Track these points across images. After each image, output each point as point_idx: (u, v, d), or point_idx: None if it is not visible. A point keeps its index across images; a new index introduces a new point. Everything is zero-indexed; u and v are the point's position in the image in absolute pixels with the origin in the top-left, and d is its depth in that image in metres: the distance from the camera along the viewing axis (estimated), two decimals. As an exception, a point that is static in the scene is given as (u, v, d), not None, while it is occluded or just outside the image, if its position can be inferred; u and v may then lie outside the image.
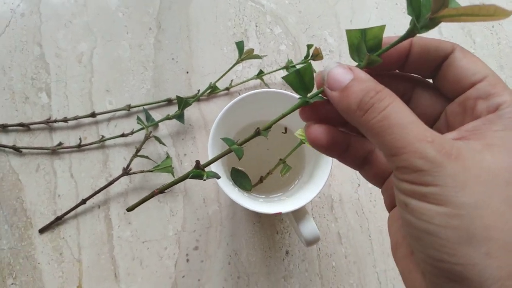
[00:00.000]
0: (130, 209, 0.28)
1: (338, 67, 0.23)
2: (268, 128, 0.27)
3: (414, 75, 0.26)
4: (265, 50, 0.55)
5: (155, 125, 0.51)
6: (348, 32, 0.23)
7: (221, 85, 0.51)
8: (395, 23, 0.56)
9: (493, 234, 0.19)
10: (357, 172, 0.49)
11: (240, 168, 0.46)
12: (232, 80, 0.52)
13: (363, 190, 0.51)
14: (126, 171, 0.48)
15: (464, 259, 0.19)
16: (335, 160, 0.28)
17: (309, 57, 0.52)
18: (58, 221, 0.48)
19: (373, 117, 0.21)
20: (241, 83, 0.53)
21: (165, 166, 0.47)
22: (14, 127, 0.51)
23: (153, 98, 0.52)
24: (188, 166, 0.51)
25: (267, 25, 0.55)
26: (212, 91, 0.51)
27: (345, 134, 0.26)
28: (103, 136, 0.50)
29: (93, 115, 0.51)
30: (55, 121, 0.50)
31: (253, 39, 0.55)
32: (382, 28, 0.23)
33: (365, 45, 0.23)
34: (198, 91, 0.52)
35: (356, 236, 0.50)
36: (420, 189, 0.20)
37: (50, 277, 0.47)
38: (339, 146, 0.26)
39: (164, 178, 0.50)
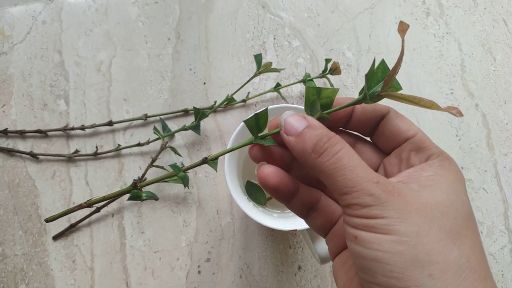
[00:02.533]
0: (48, 220, 0.29)
1: (294, 115, 0.26)
2: (215, 158, 0.30)
3: (354, 132, 0.30)
4: (283, 63, 0.54)
5: (171, 135, 0.51)
6: (307, 88, 0.26)
7: (237, 96, 0.51)
8: (415, 38, 0.56)
9: (434, 258, 0.22)
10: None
11: (254, 182, 0.46)
12: (249, 92, 0.52)
13: (378, 207, 0.50)
14: (141, 180, 0.48)
15: (411, 282, 0.21)
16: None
17: (327, 71, 0.51)
18: (72, 228, 0.49)
19: (327, 160, 0.24)
20: (258, 95, 0.53)
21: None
22: (32, 134, 0.51)
23: (170, 108, 0.52)
24: (202, 177, 0.51)
25: (285, 38, 0.55)
26: (229, 102, 0.51)
27: (294, 179, 0.28)
28: (119, 145, 0.50)
29: (110, 123, 0.51)
30: (73, 128, 0.51)
31: (271, 52, 0.55)
32: (335, 90, 0.26)
33: (319, 103, 0.26)
34: (215, 102, 0.52)
35: (370, 253, 0.49)
36: (368, 222, 0.23)
37: (62, 284, 0.48)
38: (288, 190, 0.28)
39: (178, 189, 0.50)
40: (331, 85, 0.52)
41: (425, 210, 0.23)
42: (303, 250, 0.49)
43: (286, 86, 0.52)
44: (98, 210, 0.49)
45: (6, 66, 0.53)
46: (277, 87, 0.52)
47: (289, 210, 0.46)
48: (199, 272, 0.48)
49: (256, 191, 0.45)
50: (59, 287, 0.48)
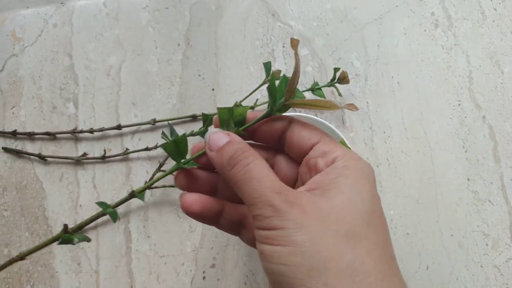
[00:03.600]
0: None
1: (218, 132, 0.28)
2: (143, 191, 0.31)
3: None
4: (291, 71, 0.55)
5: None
6: (219, 109, 0.28)
7: (246, 103, 0.51)
8: (423, 49, 0.56)
9: (329, 265, 0.22)
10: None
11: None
12: (257, 100, 0.53)
13: (384, 217, 0.50)
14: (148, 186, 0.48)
15: None
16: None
17: (335, 80, 0.52)
18: (78, 231, 0.49)
19: (238, 171, 0.25)
20: (266, 102, 0.53)
21: None
22: (41, 136, 0.51)
23: (178, 114, 0.53)
24: (209, 183, 0.51)
25: (294, 46, 0.56)
26: (237, 109, 0.52)
27: (217, 201, 0.30)
28: (127, 149, 0.51)
29: (118, 127, 0.51)
30: (81, 131, 0.51)
31: (280, 59, 0.55)
32: (246, 108, 0.29)
33: (232, 121, 0.28)
34: (223, 108, 0.52)
35: (374, 263, 0.49)
36: (269, 234, 0.23)
37: (67, 286, 0.48)
38: (212, 213, 0.29)
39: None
40: (339, 94, 0.53)
41: (321, 217, 0.23)
42: (308, 258, 0.49)
43: (294, 94, 0.53)
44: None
45: (17, 68, 0.54)
46: (285, 95, 0.52)
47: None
48: (204, 278, 0.48)
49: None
50: (64, 289, 0.48)
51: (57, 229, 0.49)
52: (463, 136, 0.53)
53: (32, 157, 0.51)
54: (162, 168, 0.49)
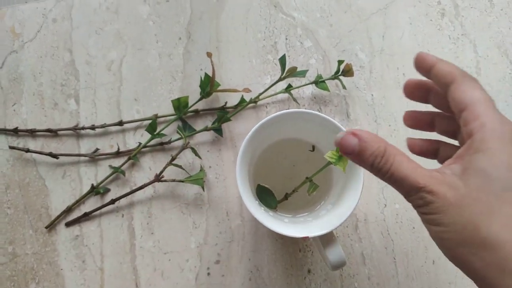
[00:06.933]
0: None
1: (346, 134, 0.29)
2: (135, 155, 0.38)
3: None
4: (294, 63, 0.54)
5: (192, 135, 0.50)
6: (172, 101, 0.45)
7: (247, 97, 0.51)
8: (429, 39, 0.55)
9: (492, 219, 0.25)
10: (384, 191, 0.49)
11: (265, 185, 0.45)
12: (260, 94, 0.52)
13: (389, 211, 0.50)
14: (158, 178, 0.48)
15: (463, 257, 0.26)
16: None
17: (340, 73, 0.51)
18: (85, 217, 0.48)
19: (384, 175, 0.28)
20: (269, 96, 0.52)
21: (197, 178, 0.47)
22: (42, 133, 0.51)
23: (180, 109, 0.52)
24: (212, 178, 0.50)
25: (298, 38, 0.55)
26: (240, 103, 0.51)
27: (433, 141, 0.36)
28: (140, 143, 0.50)
29: (120, 123, 0.51)
30: (83, 128, 0.51)
31: (283, 52, 0.54)
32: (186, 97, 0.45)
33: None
34: (226, 103, 0.52)
35: (380, 257, 0.49)
36: (435, 217, 0.26)
37: (72, 284, 0.48)
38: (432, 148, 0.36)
39: (188, 190, 0.50)
40: (344, 87, 0.52)
41: (457, 202, 0.26)
42: (313, 254, 0.49)
43: (297, 87, 0.52)
44: (112, 202, 0.48)
45: (17, 64, 0.53)
46: (289, 88, 0.51)
47: (301, 215, 0.46)
48: (208, 274, 0.48)
49: (267, 195, 0.45)
50: (69, 286, 0.48)
51: (61, 226, 0.49)
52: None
53: (34, 154, 0.50)
54: (174, 162, 0.48)
